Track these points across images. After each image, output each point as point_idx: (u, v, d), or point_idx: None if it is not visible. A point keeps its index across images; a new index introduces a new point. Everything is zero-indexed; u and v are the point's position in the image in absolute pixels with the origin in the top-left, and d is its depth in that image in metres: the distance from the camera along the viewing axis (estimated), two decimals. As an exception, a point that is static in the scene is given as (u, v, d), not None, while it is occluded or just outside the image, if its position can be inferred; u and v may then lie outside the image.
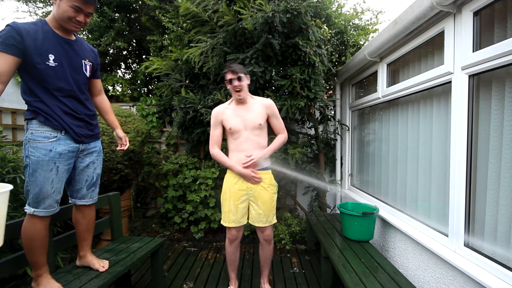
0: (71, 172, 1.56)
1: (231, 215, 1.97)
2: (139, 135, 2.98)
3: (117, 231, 2.28)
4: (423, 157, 1.99)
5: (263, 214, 1.96)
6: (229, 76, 1.86)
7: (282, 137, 2.02)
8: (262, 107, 1.94)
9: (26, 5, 3.88)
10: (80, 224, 1.71)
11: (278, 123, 2.02)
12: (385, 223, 2.33)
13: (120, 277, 1.79)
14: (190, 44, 2.90)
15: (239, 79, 1.83)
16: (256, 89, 2.68)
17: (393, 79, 2.42)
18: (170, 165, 3.36)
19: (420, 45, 1.94)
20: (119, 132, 1.86)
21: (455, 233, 1.57)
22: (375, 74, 2.63)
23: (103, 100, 1.80)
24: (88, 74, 1.57)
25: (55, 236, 1.82)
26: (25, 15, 5.38)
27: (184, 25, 3.23)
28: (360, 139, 3.29)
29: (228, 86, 1.90)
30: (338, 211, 3.42)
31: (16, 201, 2.20)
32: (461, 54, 1.51)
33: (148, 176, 3.78)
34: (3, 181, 2.05)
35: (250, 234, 3.25)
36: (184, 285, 2.33)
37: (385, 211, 2.39)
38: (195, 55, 2.71)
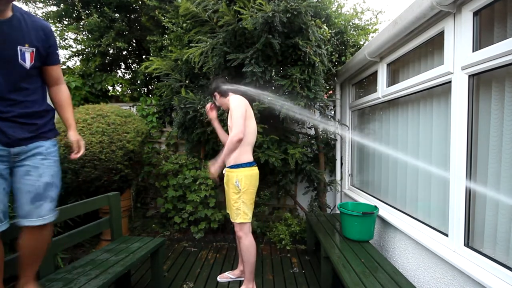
0: (11, 183, 1.26)
1: None
2: (139, 135, 2.98)
3: (116, 231, 2.28)
4: (423, 157, 1.99)
5: (228, 209, 2.11)
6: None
7: (229, 138, 1.94)
8: (230, 109, 2.06)
9: (26, 5, 3.88)
10: (26, 248, 1.32)
11: (230, 121, 2.01)
12: (385, 223, 2.33)
13: (120, 277, 1.79)
14: (190, 44, 2.90)
15: (214, 99, 2.24)
16: (256, 89, 2.68)
17: (393, 79, 2.42)
18: (170, 165, 3.36)
19: (420, 45, 1.94)
20: (71, 134, 1.53)
21: (455, 232, 1.57)
22: (375, 74, 2.63)
23: (59, 92, 1.48)
24: (28, 64, 1.24)
25: (55, 237, 1.82)
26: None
27: (184, 25, 3.23)
28: (360, 139, 3.29)
29: None
30: (338, 211, 3.44)
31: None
32: (461, 54, 1.51)
33: (148, 176, 3.78)
34: None
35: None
36: (184, 285, 2.33)
37: (385, 211, 2.39)
38: (195, 55, 2.71)
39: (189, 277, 2.46)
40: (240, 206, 2.01)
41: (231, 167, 2.05)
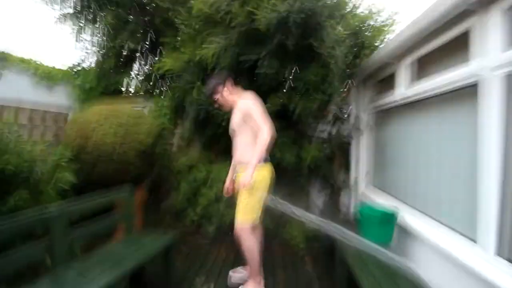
0: None
1: None
2: (150, 136, 2.99)
3: (130, 225, 2.29)
4: (447, 158, 1.89)
5: (237, 209, 2.01)
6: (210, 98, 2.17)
7: (260, 138, 1.86)
8: (238, 110, 2.01)
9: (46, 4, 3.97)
10: None
11: (254, 123, 1.93)
12: (405, 226, 2.22)
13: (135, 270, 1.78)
14: (203, 45, 2.89)
15: (215, 100, 2.12)
16: (269, 91, 2.64)
17: (413, 80, 2.32)
18: (184, 161, 3.35)
19: (445, 44, 1.84)
20: None
21: (485, 239, 1.45)
22: (393, 75, 2.54)
23: None
24: None
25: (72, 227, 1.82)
26: (44, 16, 5.51)
27: (197, 26, 3.22)
28: (376, 141, 3.20)
29: None
30: (354, 212, 3.34)
31: (32, 195, 2.22)
32: (489, 53, 1.42)
33: (162, 171, 3.79)
34: (18, 178, 2.08)
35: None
36: (196, 280, 2.31)
37: (405, 214, 2.28)
38: (208, 56, 2.69)
39: (201, 272, 2.44)
40: (249, 204, 1.96)
41: (245, 167, 1.98)
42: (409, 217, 2.21)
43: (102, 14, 3.98)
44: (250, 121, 1.95)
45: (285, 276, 2.48)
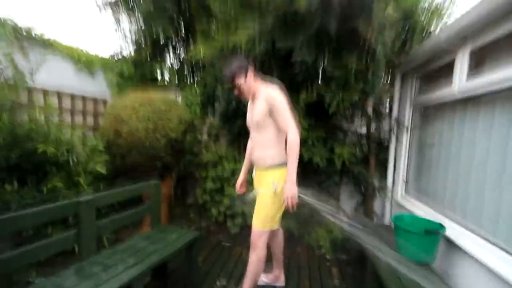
0: None
1: None
2: (182, 123, 2.98)
3: (156, 218, 2.31)
4: (510, 169, 1.58)
5: (255, 212, 1.81)
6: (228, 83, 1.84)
7: (289, 140, 1.66)
8: (263, 100, 1.72)
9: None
10: None
11: (280, 119, 1.70)
12: (451, 244, 1.95)
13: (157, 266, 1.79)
14: (237, 31, 2.77)
15: (235, 86, 1.76)
16: (305, 80, 2.45)
17: (476, 71, 1.97)
18: (210, 155, 3.33)
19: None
20: None
21: None
22: (451, 64, 2.19)
23: None
24: None
25: (100, 219, 1.87)
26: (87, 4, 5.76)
27: (232, 11, 3.10)
28: (420, 141, 2.85)
29: None
30: (386, 221, 3.06)
31: (69, 180, 2.35)
32: None
33: (189, 165, 3.83)
34: (57, 161, 2.19)
35: (287, 235, 3.08)
36: (217, 282, 2.28)
37: (451, 230, 2.01)
38: (242, 42, 2.56)
39: (223, 273, 2.40)
40: (271, 211, 1.76)
41: (267, 167, 1.81)
42: (456, 235, 1.92)
43: (140, 1, 4.03)
44: (276, 115, 1.71)
45: (309, 284, 2.34)
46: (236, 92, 1.77)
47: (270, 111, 1.70)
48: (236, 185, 2.11)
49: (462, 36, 1.92)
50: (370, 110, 3.21)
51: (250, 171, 2.09)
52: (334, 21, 2.10)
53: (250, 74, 1.75)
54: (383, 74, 2.43)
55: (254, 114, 1.77)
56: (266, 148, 1.79)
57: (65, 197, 2.15)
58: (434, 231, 1.81)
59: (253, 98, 1.81)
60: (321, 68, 2.38)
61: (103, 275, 1.49)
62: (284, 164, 1.76)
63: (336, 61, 2.41)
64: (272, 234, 1.99)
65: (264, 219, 1.77)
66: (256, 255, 1.80)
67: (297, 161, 1.65)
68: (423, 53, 2.42)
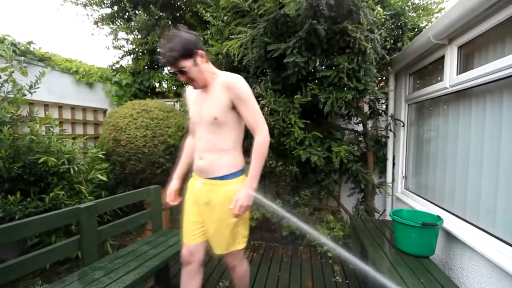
0: None
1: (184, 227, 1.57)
2: (180, 130, 3.03)
3: (157, 223, 2.34)
4: (507, 160, 1.60)
5: (215, 239, 1.46)
6: (170, 68, 1.38)
7: (259, 141, 1.35)
8: (222, 90, 1.33)
9: (84, 8, 4.23)
10: None
11: (248, 113, 1.34)
12: (450, 236, 1.96)
13: (159, 269, 1.82)
14: (230, 36, 2.82)
15: (181, 71, 1.27)
16: (298, 81, 2.48)
17: (465, 65, 2.01)
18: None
19: (504, 22, 1.54)
20: None
21: None
22: (441, 60, 2.23)
23: None
24: None
25: (102, 225, 1.91)
26: (84, 19, 5.90)
27: (225, 18, 3.17)
28: (417, 137, 2.87)
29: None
30: (388, 217, 3.07)
31: (71, 189, 2.39)
32: None
33: (189, 170, 3.86)
34: (58, 172, 2.23)
35: (289, 235, 3.10)
36: (220, 283, 2.29)
37: (450, 222, 2.02)
38: (235, 48, 2.61)
39: (225, 275, 2.42)
40: (240, 229, 1.46)
41: (223, 178, 1.40)
42: (455, 227, 1.94)
43: (137, 12, 4.12)
44: (242, 109, 1.34)
45: (312, 283, 2.36)
46: (182, 78, 1.31)
47: (233, 104, 1.33)
48: (167, 194, 1.63)
49: (450, 32, 1.95)
50: (365, 108, 3.25)
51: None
52: (324, 23, 2.14)
53: (202, 55, 1.31)
54: (375, 73, 2.45)
55: (210, 107, 1.35)
56: (222, 153, 1.39)
57: (66, 206, 2.18)
58: (431, 224, 1.82)
59: (205, 87, 1.38)
60: (314, 68, 2.42)
61: (105, 279, 1.52)
62: (242, 170, 1.46)
63: (328, 61, 2.45)
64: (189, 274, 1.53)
65: (234, 240, 1.45)
66: (239, 272, 1.60)
67: (262, 166, 1.37)
68: (414, 50, 2.46)
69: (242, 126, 1.43)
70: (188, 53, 1.26)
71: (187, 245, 1.53)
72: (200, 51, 1.30)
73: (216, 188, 1.41)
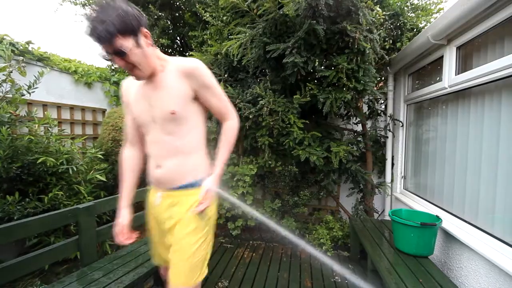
0: None
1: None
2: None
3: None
4: (504, 160, 1.60)
5: (175, 264, 1.10)
6: (103, 51, 0.96)
7: (231, 125, 1.21)
8: (179, 78, 1.07)
9: (83, 8, 4.22)
10: None
11: (216, 100, 1.15)
12: (449, 236, 1.97)
13: (157, 270, 1.81)
14: (230, 37, 2.82)
15: (120, 53, 0.93)
16: (297, 82, 2.49)
17: (464, 66, 2.01)
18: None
19: (502, 23, 1.55)
20: None
21: None
22: (440, 60, 2.23)
23: None
24: None
25: (101, 226, 1.90)
26: (83, 18, 5.88)
27: (224, 18, 3.16)
28: (416, 137, 2.88)
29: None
30: (387, 217, 3.08)
31: (70, 190, 2.38)
32: None
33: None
34: (57, 172, 2.23)
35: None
36: (219, 283, 2.29)
37: (449, 222, 2.03)
38: (234, 48, 2.61)
39: (224, 275, 2.42)
40: (202, 252, 1.14)
41: (189, 186, 1.14)
42: (454, 227, 1.95)
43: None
44: (207, 97, 1.13)
45: (311, 283, 2.36)
46: (119, 63, 0.97)
47: (195, 94, 1.11)
48: (116, 233, 1.21)
49: (448, 32, 1.96)
50: (364, 108, 3.25)
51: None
52: (323, 22, 2.14)
53: (147, 36, 1.01)
54: (374, 73, 2.46)
55: (163, 101, 1.07)
56: (186, 156, 1.13)
57: (65, 206, 2.18)
58: (430, 224, 1.82)
59: (152, 77, 1.08)
60: (313, 69, 2.42)
61: (104, 280, 1.52)
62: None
63: (327, 61, 2.45)
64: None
65: (195, 267, 1.11)
66: None
67: (229, 149, 1.21)
68: (412, 51, 2.46)
69: (204, 120, 1.21)
70: (129, 29, 0.92)
71: (163, 267, 1.34)
72: (144, 30, 0.99)
73: (181, 200, 1.13)
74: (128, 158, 1.27)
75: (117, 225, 1.21)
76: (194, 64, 1.08)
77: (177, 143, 1.12)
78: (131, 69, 1.01)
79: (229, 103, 1.21)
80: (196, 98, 1.13)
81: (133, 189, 1.27)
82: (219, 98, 1.16)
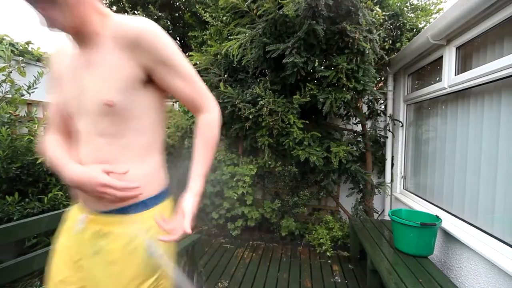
0: None
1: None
2: (179, 130, 3.03)
3: (156, 224, 2.33)
4: (504, 160, 1.60)
5: None
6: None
7: (206, 121, 0.83)
8: (122, 48, 0.71)
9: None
10: None
11: (182, 84, 0.77)
12: (449, 237, 1.97)
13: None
14: (229, 37, 2.83)
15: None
16: (297, 82, 2.49)
17: (463, 66, 2.02)
18: (209, 160, 3.36)
19: (502, 23, 1.55)
20: None
21: None
22: (439, 60, 2.23)
23: None
24: None
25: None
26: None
27: (224, 18, 3.17)
28: (416, 137, 2.88)
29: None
30: (387, 217, 3.08)
31: (70, 190, 2.37)
32: None
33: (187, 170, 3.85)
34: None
35: (288, 235, 3.10)
36: (219, 284, 2.29)
37: (449, 222, 2.03)
38: (234, 48, 2.61)
39: (224, 275, 2.41)
40: None
41: (123, 210, 0.76)
42: (454, 227, 1.95)
43: (136, 12, 4.11)
44: (169, 78, 0.75)
45: (311, 283, 2.36)
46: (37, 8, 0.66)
47: (148, 74, 0.75)
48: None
49: (448, 32, 1.96)
50: (364, 108, 3.26)
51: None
52: (323, 23, 2.15)
53: None
54: (374, 73, 2.46)
55: (97, 83, 0.72)
56: (126, 166, 0.75)
57: (65, 206, 2.17)
58: (430, 224, 1.82)
59: (87, 40, 0.73)
60: (313, 69, 2.42)
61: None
62: (165, 193, 0.87)
63: (327, 61, 2.45)
64: None
65: None
66: None
67: (211, 154, 0.84)
68: (412, 51, 2.46)
69: (161, 116, 0.83)
70: None
71: None
72: None
73: (113, 230, 0.75)
74: (54, 140, 0.84)
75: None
76: (141, 25, 0.70)
77: (115, 150, 0.75)
78: (52, 20, 0.66)
79: (205, 88, 0.83)
80: (151, 81, 0.76)
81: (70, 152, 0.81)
82: (188, 80, 0.77)
